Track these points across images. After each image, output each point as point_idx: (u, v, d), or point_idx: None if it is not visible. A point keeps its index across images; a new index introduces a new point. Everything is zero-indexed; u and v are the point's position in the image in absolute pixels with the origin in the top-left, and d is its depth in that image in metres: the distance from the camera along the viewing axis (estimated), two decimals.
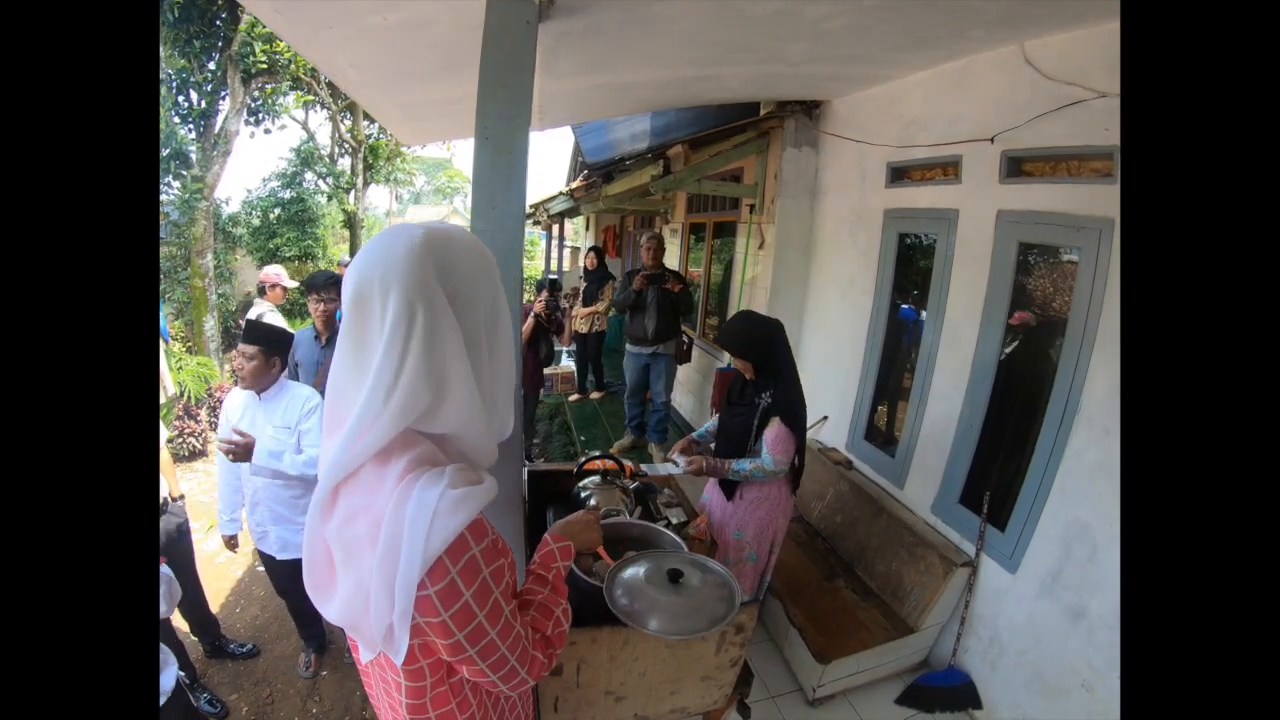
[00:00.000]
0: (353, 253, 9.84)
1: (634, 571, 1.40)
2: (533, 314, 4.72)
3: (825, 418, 3.91)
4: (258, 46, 8.36)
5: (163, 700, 1.74)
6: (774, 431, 2.34)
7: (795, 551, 3.27)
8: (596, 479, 2.18)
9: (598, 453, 2.41)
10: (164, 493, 2.66)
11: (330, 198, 13.01)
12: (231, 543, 2.74)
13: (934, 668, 2.77)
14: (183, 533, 2.76)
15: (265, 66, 8.54)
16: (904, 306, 3.35)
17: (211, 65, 8.46)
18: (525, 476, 2.31)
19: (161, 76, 8.37)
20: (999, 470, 2.66)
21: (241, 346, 2.42)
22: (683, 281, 4.58)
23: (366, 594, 0.79)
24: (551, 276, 5.60)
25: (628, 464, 2.53)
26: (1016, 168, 2.54)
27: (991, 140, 2.55)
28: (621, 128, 4.87)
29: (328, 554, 0.86)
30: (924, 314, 3.08)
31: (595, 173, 5.39)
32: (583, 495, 2.07)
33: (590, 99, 3.34)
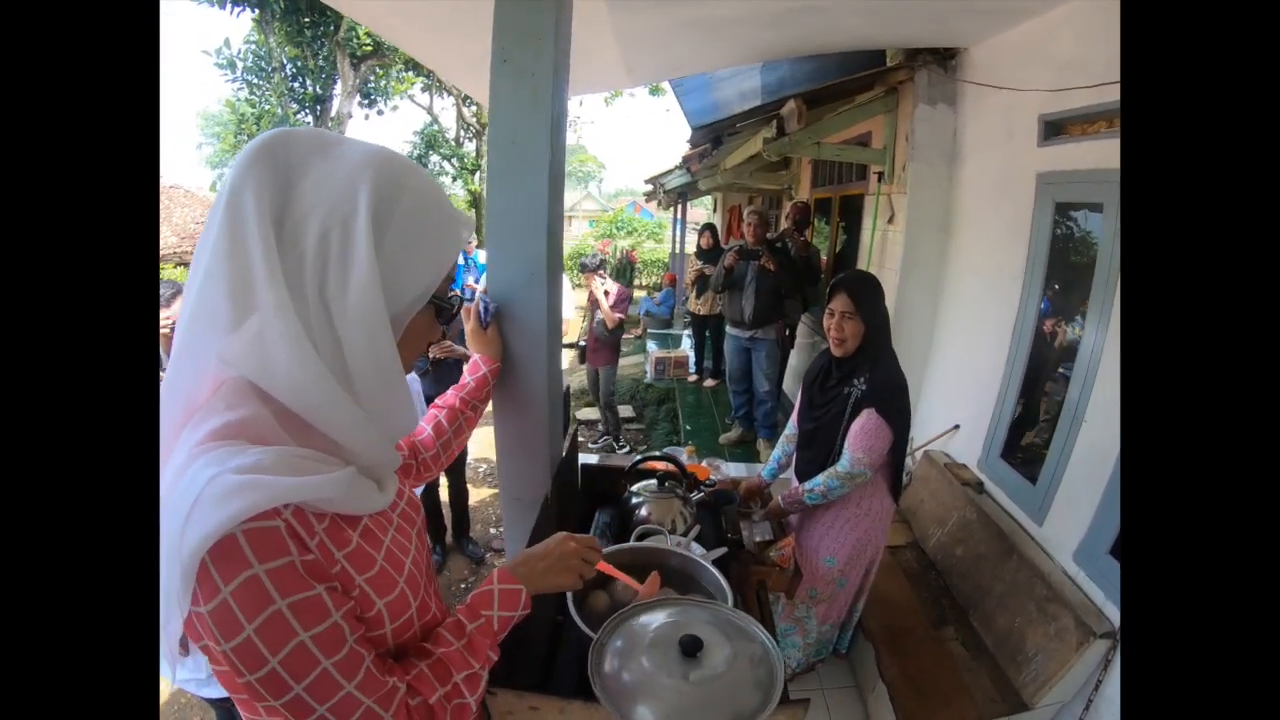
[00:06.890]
0: (478, 234, 10.08)
1: (642, 627, 1.03)
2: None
3: (957, 426, 3.31)
4: (360, 30, 8.58)
5: None
6: (861, 422, 1.90)
7: (903, 584, 2.75)
8: (652, 484, 1.84)
9: (656, 451, 2.08)
10: None
11: (455, 179, 13.43)
12: None
13: None
14: None
15: (370, 49, 8.78)
16: (1045, 302, 2.70)
17: (324, 52, 8.84)
18: (579, 470, 2.01)
19: (275, 65, 8.87)
20: None
21: None
22: (779, 261, 4.11)
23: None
24: (587, 259, 5.24)
25: (697, 465, 2.17)
26: None
27: None
28: (728, 85, 4.38)
29: None
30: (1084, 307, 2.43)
31: (701, 136, 4.97)
32: (633, 502, 1.75)
33: (680, 44, 2.90)
